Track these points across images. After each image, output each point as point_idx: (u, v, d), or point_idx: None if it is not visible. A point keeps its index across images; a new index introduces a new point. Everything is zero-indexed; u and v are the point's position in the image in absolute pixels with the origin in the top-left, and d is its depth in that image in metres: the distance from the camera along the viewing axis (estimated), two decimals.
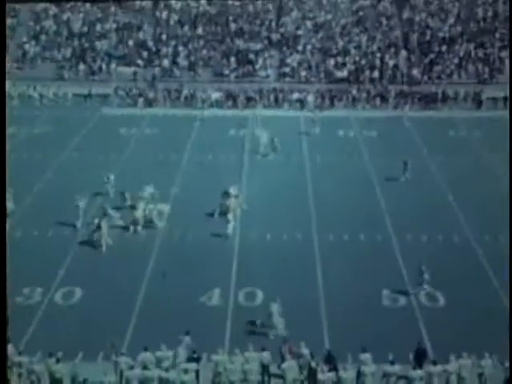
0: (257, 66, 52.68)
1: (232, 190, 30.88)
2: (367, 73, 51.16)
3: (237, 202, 30.71)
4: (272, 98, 48.56)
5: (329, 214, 30.75)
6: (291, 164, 37.63)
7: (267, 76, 52.07)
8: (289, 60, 53.24)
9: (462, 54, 52.92)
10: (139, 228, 29.10)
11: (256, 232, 29.17)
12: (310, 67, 52.50)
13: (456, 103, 48.27)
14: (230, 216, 29.15)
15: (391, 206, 31.68)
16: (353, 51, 53.60)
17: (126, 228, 29.23)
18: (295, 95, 48.60)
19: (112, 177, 32.74)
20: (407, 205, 31.70)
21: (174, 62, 53.54)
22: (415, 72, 51.31)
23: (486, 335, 21.35)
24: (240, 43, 55.07)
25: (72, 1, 59.03)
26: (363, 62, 52.32)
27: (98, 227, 27.74)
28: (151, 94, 49.20)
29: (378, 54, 53.02)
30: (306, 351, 19.70)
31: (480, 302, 23.61)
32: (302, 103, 48.13)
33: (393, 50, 53.73)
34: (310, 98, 48.04)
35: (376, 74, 51.18)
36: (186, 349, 20.05)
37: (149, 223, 29.41)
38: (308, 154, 38.98)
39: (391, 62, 52.13)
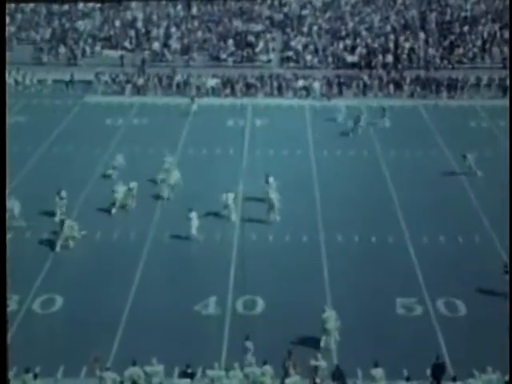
0: (257, 50, 52.71)
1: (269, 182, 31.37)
2: (380, 57, 51.18)
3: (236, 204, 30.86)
4: (274, 85, 48.57)
5: (336, 212, 30.75)
6: (295, 158, 37.67)
7: (269, 61, 52.12)
8: (293, 43, 53.29)
9: (485, 35, 52.94)
10: (114, 210, 30.74)
11: (256, 233, 29.22)
12: (316, 51, 52.53)
13: (479, 90, 48.27)
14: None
15: (405, 203, 31.73)
16: (364, 33, 53.65)
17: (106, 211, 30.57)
18: (300, 82, 48.59)
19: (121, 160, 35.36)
20: (422, 203, 31.74)
21: (166, 45, 53.61)
22: (433, 56, 51.35)
23: None
24: (239, 24, 55.13)
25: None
26: (375, 44, 52.35)
27: (57, 231, 28.26)
28: (140, 81, 49.18)
29: (392, 36, 53.04)
30: (322, 363, 19.88)
31: (505, 310, 23.60)
32: (307, 91, 48.14)
33: (408, 31, 53.78)
34: (317, 85, 48.02)
35: (390, 58, 51.18)
36: (251, 354, 20.38)
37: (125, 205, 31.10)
38: (314, 147, 39.02)
39: (407, 45, 52.14)
